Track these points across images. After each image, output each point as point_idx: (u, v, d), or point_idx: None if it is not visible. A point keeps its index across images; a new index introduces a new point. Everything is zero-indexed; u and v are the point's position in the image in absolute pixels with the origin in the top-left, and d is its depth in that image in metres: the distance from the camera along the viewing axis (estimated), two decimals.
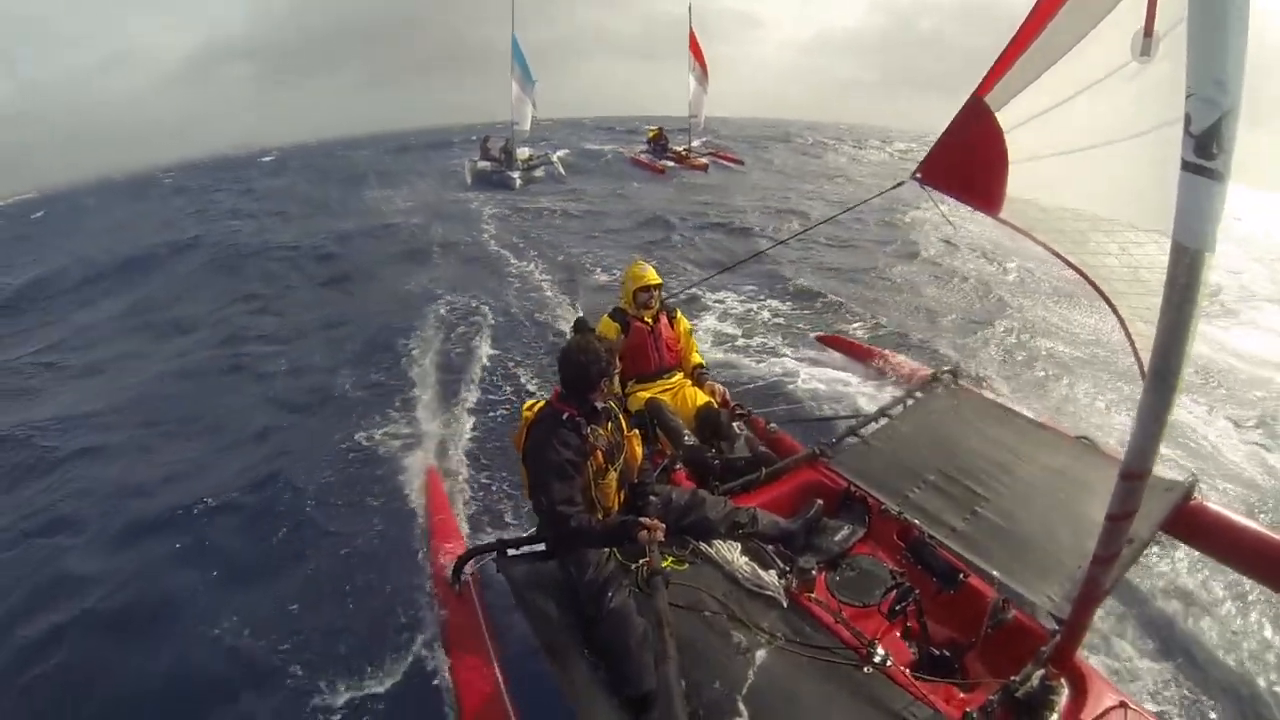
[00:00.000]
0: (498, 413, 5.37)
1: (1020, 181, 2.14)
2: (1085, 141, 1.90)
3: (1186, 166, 1.34)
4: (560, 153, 23.48)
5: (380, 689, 2.79)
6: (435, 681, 2.56)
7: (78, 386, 6.75)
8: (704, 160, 21.14)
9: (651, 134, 23.57)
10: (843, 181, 20.03)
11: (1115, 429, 4.39)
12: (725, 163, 22.35)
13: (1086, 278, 1.93)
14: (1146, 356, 1.62)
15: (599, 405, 2.60)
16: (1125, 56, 1.70)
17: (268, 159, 33.33)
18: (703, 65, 19.65)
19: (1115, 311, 1.85)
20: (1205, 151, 1.31)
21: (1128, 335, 1.81)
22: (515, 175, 18.45)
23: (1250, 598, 2.59)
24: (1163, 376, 1.52)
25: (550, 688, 2.20)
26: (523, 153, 19.87)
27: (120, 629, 3.27)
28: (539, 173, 19.82)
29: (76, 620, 3.31)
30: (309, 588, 3.45)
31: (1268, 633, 2.49)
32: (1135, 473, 1.63)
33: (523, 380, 6.05)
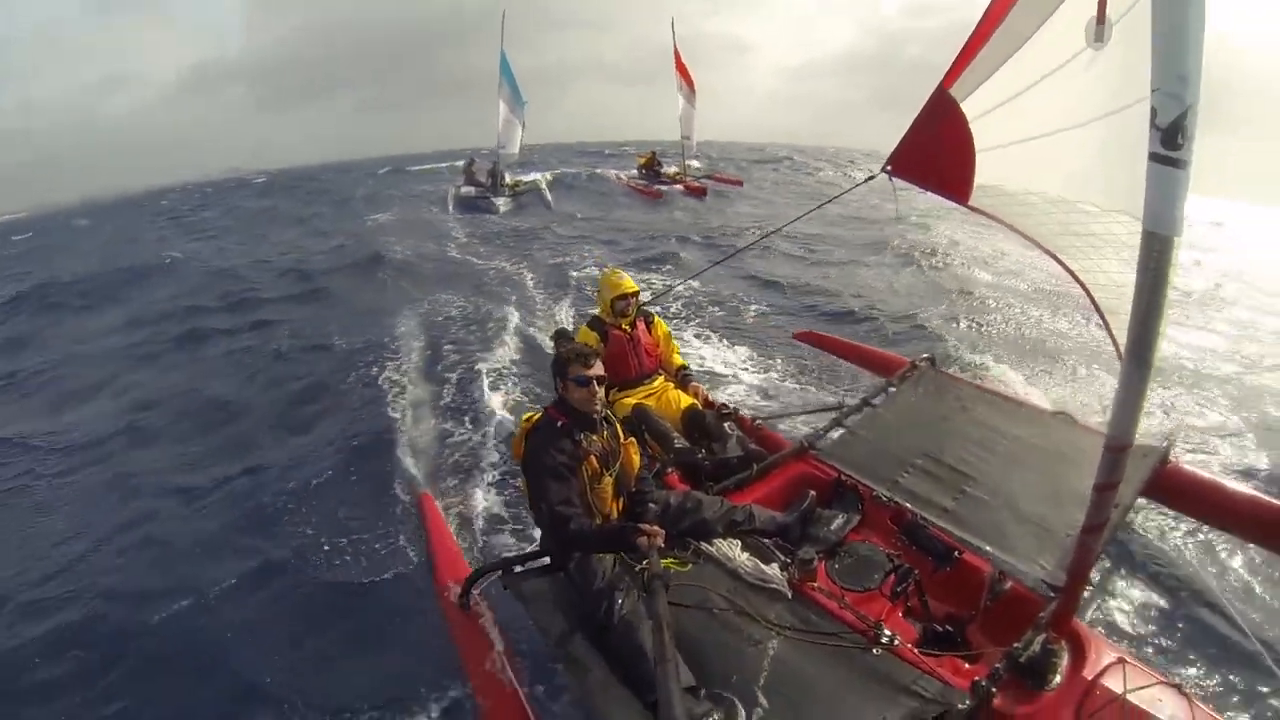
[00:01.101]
0: (488, 429, 5.34)
1: (988, 169, 2.21)
2: (1048, 127, 1.96)
3: (1154, 158, 1.40)
4: (546, 175, 22.78)
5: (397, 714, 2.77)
6: (456, 706, 2.55)
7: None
8: (701, 183, 20.44)
9: (643, 160, 22.73)
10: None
11: (1092, 403, 4.54)
12: (723, 184, 21.65)
13: (1059, 260, 2.01)
14: (1119, 336, 1.70)
15: (596, 413, 2.62)
16: (1080, 43, 1.76)
17: (260, 180, 33.12)
18: (689, 83, 19.42)
19: (1088, 293, 1.92)
20: (1171, 143, 1.37)
21: (1100, 315, 1.90)
22: (499, 201, 17.78)
23: (1224, 550, 2.75)
24: (1139, 355, 1.59)
25: (571, 699, 2.25)
26: (508, 178, 19.16)
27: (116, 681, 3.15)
28: (523, 197, 19.01)
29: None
30: (315, 625, 3.39)
31: (1245, 577, 2.64)
32: (1118, 445, 1.71)
33: (507, 394, 6.02)
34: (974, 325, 7.09)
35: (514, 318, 7.90)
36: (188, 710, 2.94)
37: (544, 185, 20.33)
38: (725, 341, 6.49)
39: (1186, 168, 1.39)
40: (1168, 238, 1.45)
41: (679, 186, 20.25)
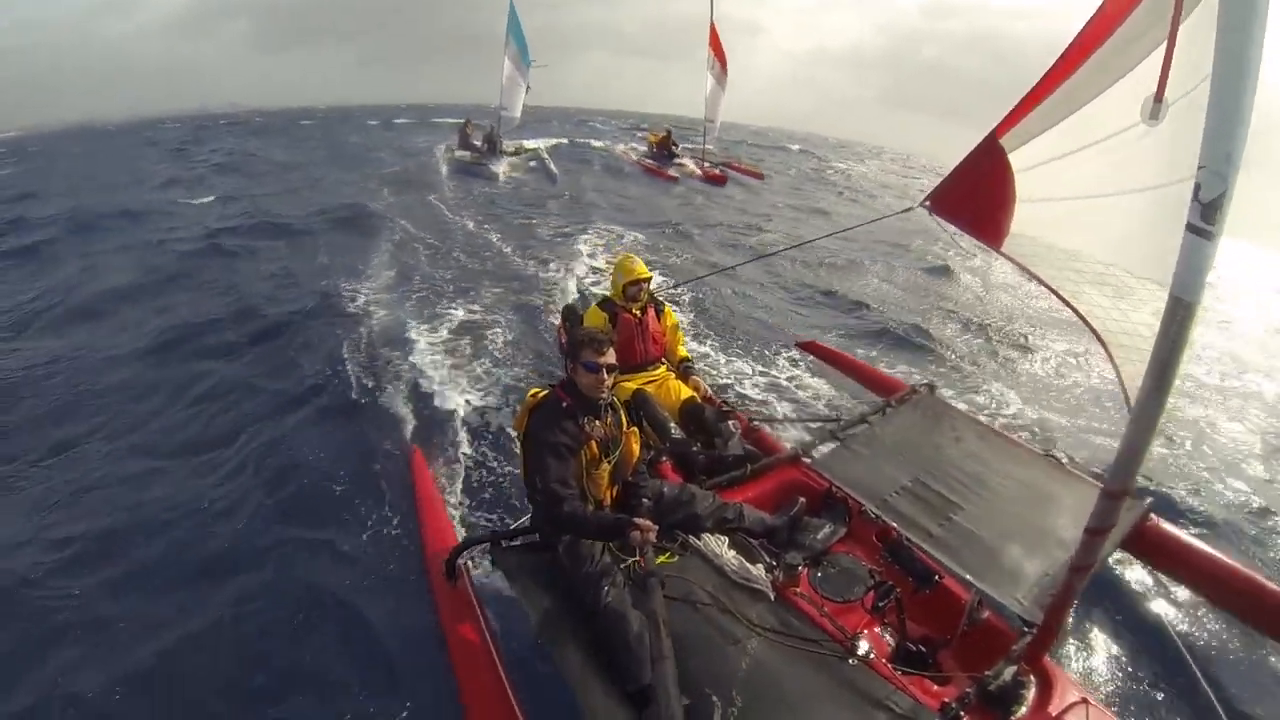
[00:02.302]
0: (483, 389, 5.39)
1: (1025, 220, 2.33)
2: (1089, 191, 2.09)
3: (1190, 229, 1.52)
4: (548, 143, 21.41)
5: (380, 688, 2.78)
6: (436, 677, 2.54)
7: None
8: (719, 171, 19.09)
9: (654, 138, 21.46)
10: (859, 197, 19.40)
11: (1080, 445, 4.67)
12: (742, 175, 20.27)
13: (1080, 315, 2.12)
14: (1130, 387, 1.81)
15: (602, 399, 2.66)
16: (1135, 118, 1.88)
17: (260, 120, 31.93)
18: (722, 62, 18.25)
19: (1105, 348, 2.04)
20: (1210, 217, 1.48)
21: (1114, 367, 2.01)
22: (498, 167, 16.30)
23: (1195, 608, 2.87)
24: (1148, 410, 1.71)
25: (552, 678, 2.24)
26: (508, 144, 17.87)
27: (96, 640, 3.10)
28: (524, 165, 17.60)
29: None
30: (297, 585, 3.37)
31: (1212, 637, 2.77)
32: (1117, 491, 1.83)
33: (498, 355, 6.09)
34: (985, 344, 7.24)
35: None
36: (163, 682, 2.88)
37: (545, 154, 19.02)
38: (728, 341, 6.56)
39: (1217, 240, 1.52)
40: (1191, 304, 1.57)
41: (696, 172, 18.91)
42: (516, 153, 17.98)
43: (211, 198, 13.59)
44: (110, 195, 13.87)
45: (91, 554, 3.56)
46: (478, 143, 17.57)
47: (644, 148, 22.18)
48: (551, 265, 9.30)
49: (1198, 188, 1.50)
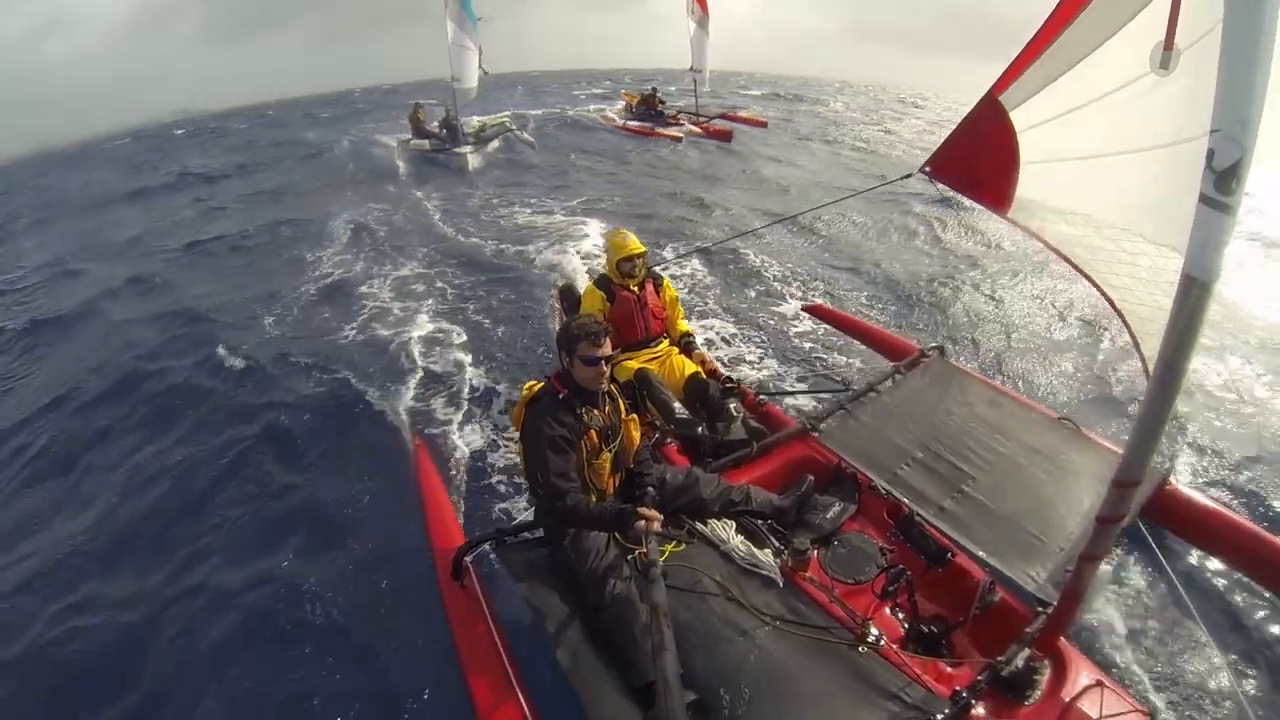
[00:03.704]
0: (485, 384, 5.37)
1: (1031, 183, 2.16)
2: (1099, 149, 1.91)
3: (1204, 200, 1.36)
4: (515, 115, 18.74)
5: (391, 688, 2.82)
6: (446, 678, 2.56)
7: None
8: (724, 125, 17.47)
9: (631, 98, 19.72)
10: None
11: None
12: (744, 125, 18.66)
13: (1095, 283, 1.97)
14: (1153, 363, 1.67)
15: (599, 388, 2.62)
16: (1144, 67, 1.69)
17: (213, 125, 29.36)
18: (703, 5, 16.86)
19: (1123, 319, 1.89)
20: (1225, 188, 1.33)
21: (1134, 341, 1.87)
22: (467, 152, 13.99)
23: (1217, 582, 2.75)
24: (1160, 394, 1.59)
25: (562, 677, 2.23)
26: (471, 121, 15.72)
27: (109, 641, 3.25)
28: (494, 145, 15.55)
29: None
30: (309, 579, 3.45)
31: (1234, 612, 2.66)
32: (1128, 481, 1.72)
33: (502, 344, 6.02)
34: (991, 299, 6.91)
35: None
36: (170, 673, 3.01)
37: (514, 128, 16.66)
38: (732, 310, 6.39)
39: (1234, 214, 1.36)
40: (1206, 283, 1.42)
41: (694, 129, 17.23)
42: (481, 132, 15.73)
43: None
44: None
45: (90, 549, 3.73)
46: (434, 128, 15.20)
47: (619, 107, 20.48)
48: (560, 260, 8.51)
49: (1211, 154, 1.34)
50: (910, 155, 15.92)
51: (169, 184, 15.71)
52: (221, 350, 6.16)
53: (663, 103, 18.60)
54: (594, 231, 9.57)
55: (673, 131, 17.05)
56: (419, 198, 12.03)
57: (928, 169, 2.47)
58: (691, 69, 17.64)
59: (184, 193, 14.54)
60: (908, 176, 2.65)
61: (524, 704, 2.28)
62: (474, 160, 14.04)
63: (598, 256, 8.39)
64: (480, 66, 13.59)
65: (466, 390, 5.32)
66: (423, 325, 6.59)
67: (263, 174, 15.92)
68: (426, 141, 14.96)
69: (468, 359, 5.84)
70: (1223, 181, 1.33)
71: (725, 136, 17.00)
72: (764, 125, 19.57)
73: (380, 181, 13.40)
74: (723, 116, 18.63)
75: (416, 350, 6.03)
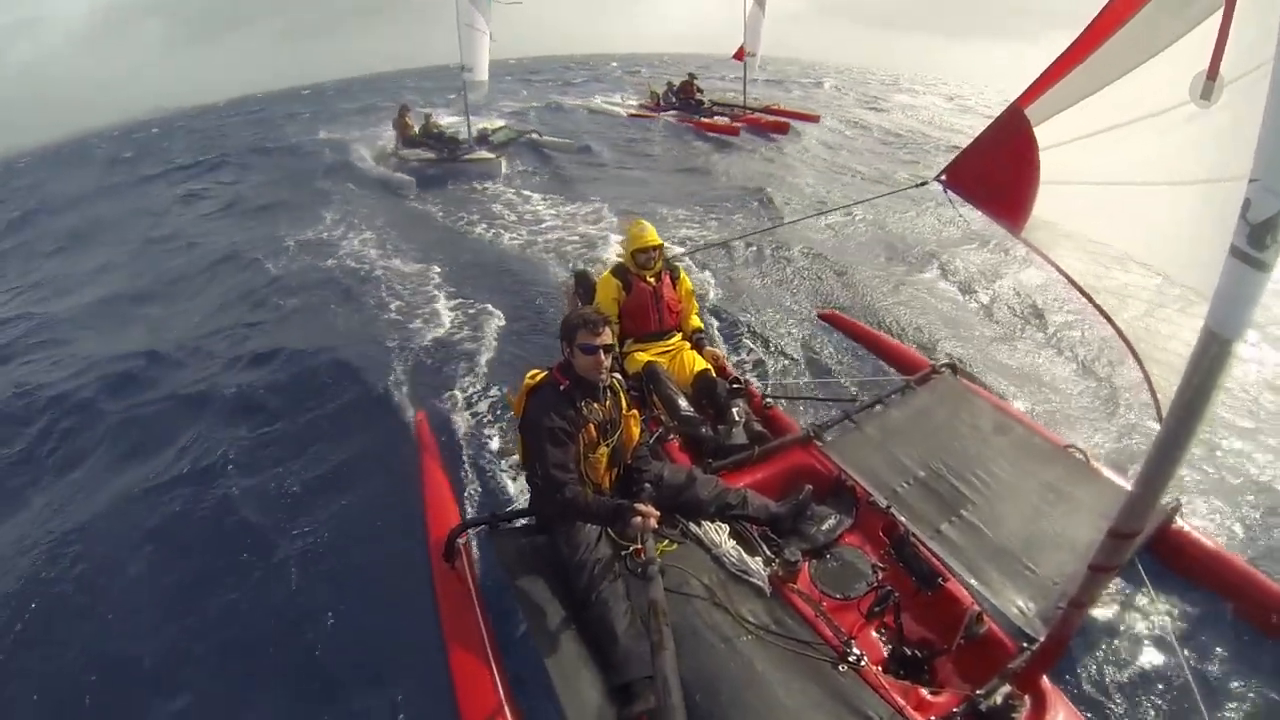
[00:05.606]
0: (490, 367, 5.34)
1: (1050, 204, 2.04)
2: (1126, 176, 1.78)
3: (1235, 252, 1.26)
4: (530, 108, 16.92)
5: (373, 664, 2.85)
6: (429, 657, 2.55)
7: None
8: (781, 119, 15.94)
9: (653, 90, 18.29)
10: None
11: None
12: (795, 120, 16.56)
13: (1110, 320, 1.87)
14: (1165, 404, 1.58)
15: (601, 381, 2.59)
16: (1183, 96, 1.56)
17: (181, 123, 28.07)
18: None
19: (1137, 359, 1.80)
20: (1258, 242, 1.22)
21: (1149, 383, 1.78)
22: (492, 156, 11.86)
23: (1208, 628, 2.64)
24: (1169, 446, 1.51)
25: (542, 664, 2.24)
26: (490, 123, 13.56)
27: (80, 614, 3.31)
28: (510, 152, 13.00)
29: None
30: (300, 553, 3.48)
31: (1223, 660, 2.57)
32: (1126, 532, 1.64)
33: (500, 321, 6.02)
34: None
35: None
36: (167, 646, 3.04)
37: (528, 130, 14.62)
38: (745, 308, 6.27)
39: (1268, 271, 1.25)
40: (1228, 340, 1.32)
41: (740, 122, 15.72)
42: (499, 132, 13.37)
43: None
44: None
45: (88, 542, 3.77)
46: (425, 135, 12.69)
47: (651, 98, 18.58)
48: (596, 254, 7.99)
49: (1247, 203, 1.23)
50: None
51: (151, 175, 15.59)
52: (229, 333, 6.18)
53: (700, 91, 17.20)
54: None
55: (729, 122, 15.65)
56: (427, 208, 10.55)
57: (943, 178, 2.35)
58: (746, 53, 15.79)
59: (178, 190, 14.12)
60: (922, 184, 2.53)
61: (501, 689, 2.29)
62: (504, 165, 12.05)
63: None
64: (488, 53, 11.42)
65: (471, 372, 5.28)
66: (436, 313, 6.57)
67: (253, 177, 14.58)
68: (421, 152, 12.50)
69: (479, 343, 5.82)
70: (1257, 236, 1.22)
71: (783, 130, 15.68)
72: (816, 120, 17.57)
73: (381, 189, 11.76)
74: (767, 110, 16.92)
75: (428, 335, 6.04)
